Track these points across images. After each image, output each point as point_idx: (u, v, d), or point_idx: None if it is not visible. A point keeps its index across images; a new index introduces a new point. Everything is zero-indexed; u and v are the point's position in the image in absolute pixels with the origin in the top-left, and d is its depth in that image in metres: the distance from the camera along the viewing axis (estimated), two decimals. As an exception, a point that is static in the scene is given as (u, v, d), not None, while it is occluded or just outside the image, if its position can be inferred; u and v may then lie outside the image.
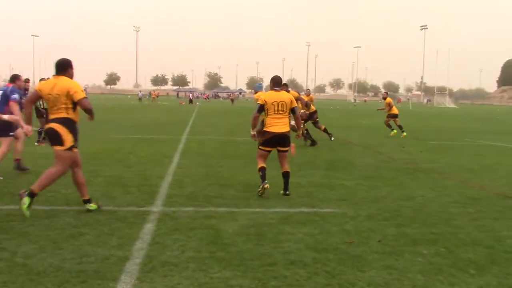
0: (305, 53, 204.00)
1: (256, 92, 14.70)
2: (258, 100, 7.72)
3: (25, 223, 5.64)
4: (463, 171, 10.73)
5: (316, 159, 11.87)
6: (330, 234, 5.58)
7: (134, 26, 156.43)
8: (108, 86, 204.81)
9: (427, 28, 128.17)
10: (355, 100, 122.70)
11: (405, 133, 19.26)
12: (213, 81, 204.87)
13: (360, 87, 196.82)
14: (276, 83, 7.69)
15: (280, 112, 7.51)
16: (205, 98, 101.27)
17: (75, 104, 6.02)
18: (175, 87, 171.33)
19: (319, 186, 8.38)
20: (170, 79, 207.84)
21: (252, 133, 7.93)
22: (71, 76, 6.20)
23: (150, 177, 8.77)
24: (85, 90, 37.91)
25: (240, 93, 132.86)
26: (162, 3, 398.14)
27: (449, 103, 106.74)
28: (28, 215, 5.79)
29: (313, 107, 15.88)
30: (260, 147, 7.69)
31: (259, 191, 7.38)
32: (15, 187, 7.60)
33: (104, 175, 8.83)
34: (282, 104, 7.51)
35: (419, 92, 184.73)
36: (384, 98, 20.47)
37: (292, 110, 7.65)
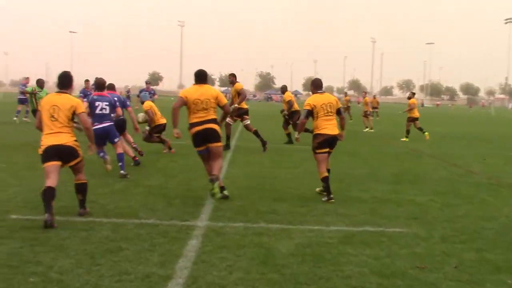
0: (369, 50, 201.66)
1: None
2: (306, 106, 8.47)
3: (62, 235, 5.84)
4: (556, 188, 10.29)
5: (379, 171, 11.70)
6: (398, 257, 5.49)
7: (179, 21, 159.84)
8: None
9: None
10: (422, 104, 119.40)
11: (427, 133, 20.72)
12: (265, 81, 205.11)
13: (433, 89, 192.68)
14: (318, 85, 8.62)
15: (330, 113, 8.34)
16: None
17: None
18: (223, 88, 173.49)
19: (384, 202, 8.26)
20: (218, 79, 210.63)
21: (297, 136, 8.91)
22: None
23: (194, 188, 8.90)
24: (127, 92, 38.52)
25: (296, 95, 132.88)
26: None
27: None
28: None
29: (296, 106, 17.19)
30: (317, 151, 8.31)
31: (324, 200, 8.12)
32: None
33: (144, 185, 9.02)
34: (330, 105, 8.37)
35: (503, 96, 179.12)
36: (409, 98, 22.20)
37: (338, 111, 8.47)
